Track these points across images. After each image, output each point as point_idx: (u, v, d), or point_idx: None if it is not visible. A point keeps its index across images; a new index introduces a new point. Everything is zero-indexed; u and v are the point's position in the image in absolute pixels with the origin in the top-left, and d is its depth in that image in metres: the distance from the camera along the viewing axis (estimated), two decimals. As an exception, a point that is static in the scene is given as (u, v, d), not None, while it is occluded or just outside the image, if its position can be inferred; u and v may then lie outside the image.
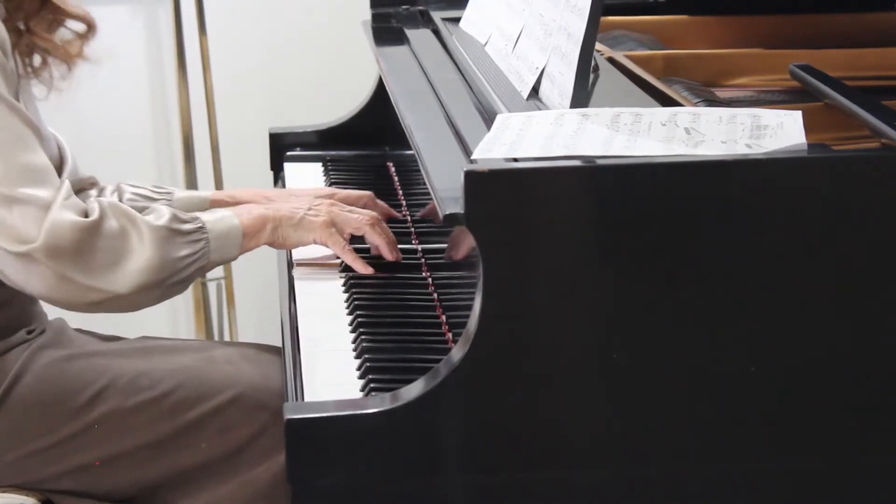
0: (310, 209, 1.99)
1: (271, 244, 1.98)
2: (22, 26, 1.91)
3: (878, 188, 1.57)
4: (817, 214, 1.56)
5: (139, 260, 1.80)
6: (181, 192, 2.19)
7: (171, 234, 1.84)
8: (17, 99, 1.84)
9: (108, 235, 1.79)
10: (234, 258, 1.95)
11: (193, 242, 1.86)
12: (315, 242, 1.99)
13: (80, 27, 1.98)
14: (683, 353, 1.58)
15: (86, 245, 1.77)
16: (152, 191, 2.17)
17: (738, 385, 1.60)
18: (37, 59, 1.95)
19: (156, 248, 1.81)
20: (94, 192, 2.16)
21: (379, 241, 2.01)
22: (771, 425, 1.62)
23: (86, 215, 1.79)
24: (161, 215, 1.85)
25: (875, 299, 1.59)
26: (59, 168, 2.02)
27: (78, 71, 1.99)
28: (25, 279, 1.79)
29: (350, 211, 2.02)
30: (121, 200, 2.14)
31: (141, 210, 1.87)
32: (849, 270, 1.58)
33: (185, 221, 1.87)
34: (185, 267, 1.85)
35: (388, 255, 2.02)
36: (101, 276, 1.79)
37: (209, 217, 1.91)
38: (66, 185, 1.82)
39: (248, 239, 1.94)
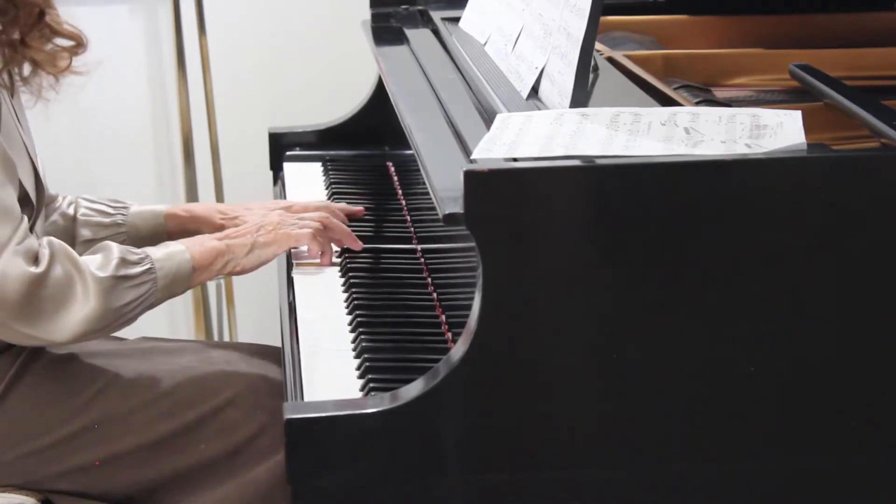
0: (259, 231, 1.99)
1: (229, 274, 1.98)
2: (16, 36, 1.90)
3: (878, 188, 1.57)
4: (817, 214, 1.56)
5: (82, 311, 1.79)
6: (137, 207, 2.18)
7: (116, 282, 1.82)
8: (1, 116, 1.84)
9: (53, 284, 1.77)
10: (184, 292, 1.95)
11: (140, 285, 1.84)
12: (276, 255, 2.00)
13: (69, 42, 1.97)
14: (683, 353, 1.58)
15: (31, 296, 1.76)
16: (108, 205, 2.17)
17: (738, 385, 1.59)
18: (26, 69, 1.95)
19: (99, 300, 1.80)
20: (56, 205, 2.15)
21: (326, 249, 2.04)
22: (771, 425, 1.61)
23: (36, 261, 1.77)
24: (109, 259, 1.83)
25: (875, 299, 1.59)
26: (37, 194, 2.01)
27: (66, 81, 1.99)
28: None
29: (299, 218, 2.03)
30: (75, 215, 2.14)
31: (93, 242, 1.83)
32: (849, 270, 1.58)
33: (133, 263, 1.85)
34: (129, 311, 1.84)
35: (324, 262, 2.05)
36: (42, 326, 1.78)
37: (159, 254, 1.89)
38: (24, 224, 1.79)
39: (198, 273, 1.93)
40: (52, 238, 1.83)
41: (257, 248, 1.98)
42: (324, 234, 2.05)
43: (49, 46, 1.93)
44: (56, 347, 1.97)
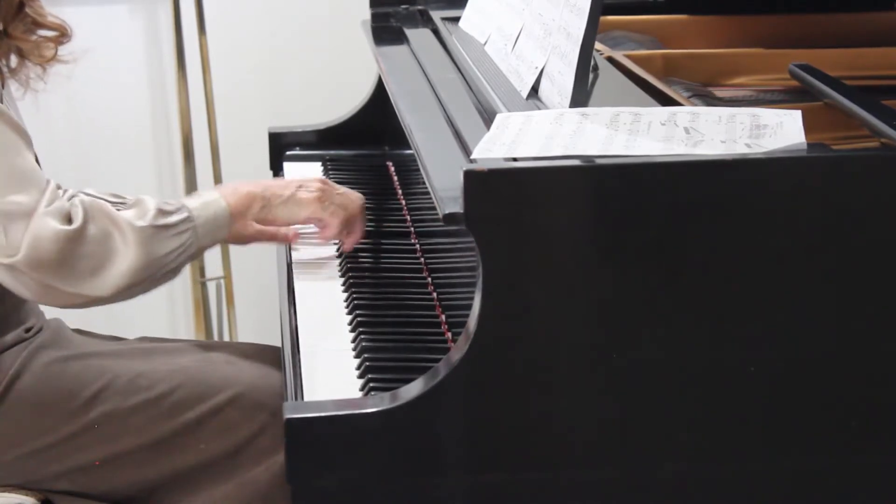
0: (300, 186, 1.99)
1: (260, 222, 1.97)
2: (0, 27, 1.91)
3: (878, 188, 1.57)
4: (817, 214, 1.56)
5: (123, 263, 1.79)
6: None
7: (155, 231, 1.81)
8: (1, 100, 1.84)
9: (90, 241, 1.77)
10: (223, 240, 1.95)
11: (179, 234, 1.84)
12: (308, 218, 2.00)
13: (53, 33, 1.98)
14: (682, 353, 1.58)
15: (68, 254, 1.76)
16: (108, 200, 2.16)
17: (738, 385, 1.59)
18: (13, 60, 1.95)
19: (139, 249, 1.79)
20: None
21: (340, 238, 2.04)
22: (771, 425, 1.61)
23: (69, 220, 1.77)
24: (145, 211, 1.83)
25: (875, 299, 1.59)
26: None
27: (53, 70, 1.99)
28: (13, 286, 1.80)
29: (341, 194, 2.03)
30: None
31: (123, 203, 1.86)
32: (848, 270, 1.58)
33: (171, 213, 1.85)
34: (171, 261, 1.84)
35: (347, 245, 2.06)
36: (85, 283, 1.78)
37: (195, 203, 1.90)
38: (52, 186, 1.79)
39: (235, 219, 1.93)
40: (83, 196, 1.82)
41: (293, 202, 1.98)
42: (347, 223, 2.04)
43: (34, 37, 1.93)
44: (56, 347, 1.97)
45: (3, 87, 1.92)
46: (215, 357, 2.02)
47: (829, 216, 1.57)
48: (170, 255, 1.83)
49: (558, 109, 1.76)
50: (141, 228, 1.80)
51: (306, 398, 1.68)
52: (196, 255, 1.89)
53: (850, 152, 1.71)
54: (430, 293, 1.97)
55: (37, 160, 1.92)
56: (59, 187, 2.10)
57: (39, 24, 1.94)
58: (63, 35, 1.97)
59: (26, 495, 1.90)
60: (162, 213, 1.84)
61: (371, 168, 2.52)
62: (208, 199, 1.91)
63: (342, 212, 2.02)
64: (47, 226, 1.75)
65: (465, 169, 1.52)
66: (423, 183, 1.74)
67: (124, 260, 1.79)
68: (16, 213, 1.75)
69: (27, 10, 1.92)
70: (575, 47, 1.76)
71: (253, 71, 3.36)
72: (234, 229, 1.94)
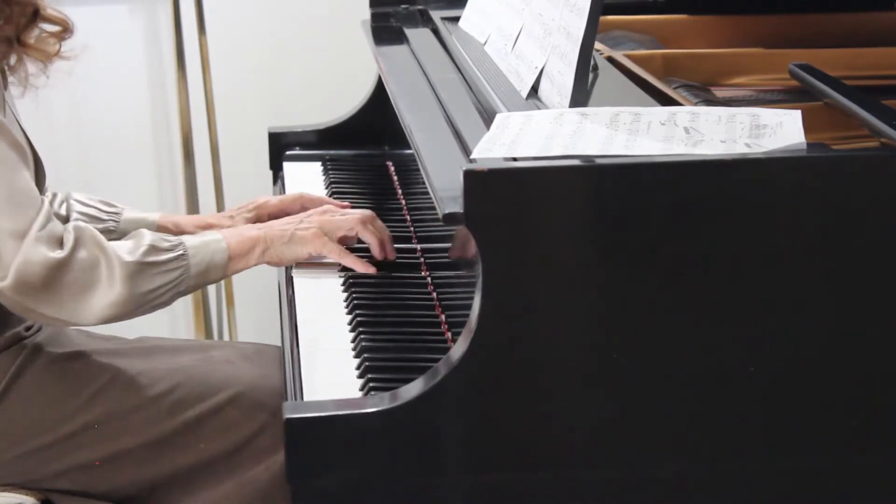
0: (301, 223, 1.99)
1: (268, 263, 1.98)
2: (12, 34, 1.90)
3: (878, 188, 1.57)
4: (816, 214, 1.56)
5: (107, 295, 1.79)
6: (130, 213, 2.18)
7: (142, 267, 1.82)
8: (3, 111, 1.84)
9: (76, 268, 1.78)
10: (220, 279, 1.95)
11: (169, 272, 1.84)
12: (311, 254, 1.99)
13: (56, 28, 1.98)
14: (682, 353, 1.58)
15: (54, 281, 1.77)
16: (99, 209, 2.16)
17: (738, 385, 1.59)
18: (12, 58, 1.95)
19: (124, 284, 1.80)
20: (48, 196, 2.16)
21: (371, 240, 2.01)
22: (770, 425, 1.61)
23: (60, 244, 1.78)
24: (139, 245, 1.83)
25: (875, 299, 1.59)
26: (37, 178, 2.01)
27: (55, 67, 1.99)
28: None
29: (342, 214, 2.02)
30: (68, 216, 2.14)
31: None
32: (848, 270, 1.58)
33: (164, 250, 1.85)
34: (158, 297, 1.84)
35: (377, 254, 2.02)
36: (66, 309, 1.79)
37: (194, 242, 1.90)
38: (45, 207, 1.79)
39: (235, 261, 1.93)
40: (80, 223, 1.83)
41: (294, 241, 1.97)
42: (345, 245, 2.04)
43: (36, 32, 1.93)
44: (57, 346, 1.98)
45: (5, 87, 1.92)
46: (215, 356, 2.02)
47: (829, 216, 1.57)
48: (155, 291, 1.83)
49: (558, 109, 1.76)
50: (128, 263, 1.81)
51: (306, 398, 1.68)
52: (187, 292, 1.89)
53: (850, 152, 1.71)
54: (430, 293, 1.97)
55: (39, 159, 1.92)
56: (52, 200, 2.09)
57: (43, 18, 1.94)
58: (65, 30, 1.96)
59: (26, 495, 1.90)
60: (154, 249, 1.84)
61: (371, 168, 2.52)
62: (209, 239, 1.92)
63: (334, 251, 2.00)
64: (38, 252, 1.76)
65: (465, 169, 1.52)
66: (423, 183, 1.74)
67: (108, 292, 1.79)
68: (9, 235, 1.76)
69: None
70: (575, 47, 1.76)
71: (253, 71, 3.36)
72: (232, 270, 1.94)
